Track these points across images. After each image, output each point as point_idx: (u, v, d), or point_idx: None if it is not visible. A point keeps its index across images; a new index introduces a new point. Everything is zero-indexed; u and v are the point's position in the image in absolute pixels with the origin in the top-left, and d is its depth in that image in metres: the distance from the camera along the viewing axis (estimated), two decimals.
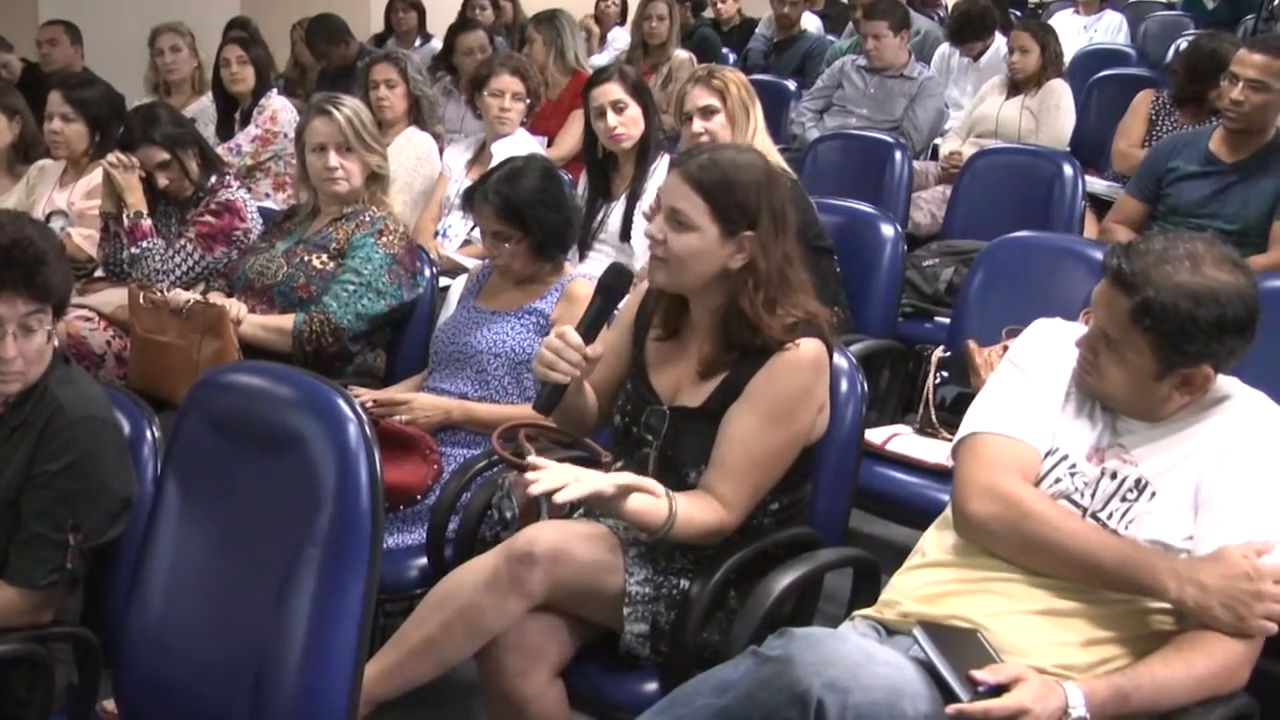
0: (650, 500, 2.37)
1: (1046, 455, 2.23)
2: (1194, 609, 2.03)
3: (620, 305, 2.69)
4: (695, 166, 2.46)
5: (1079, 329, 2.29)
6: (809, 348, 2.44)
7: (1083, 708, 1.95)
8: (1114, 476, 2.18)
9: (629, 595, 2.43)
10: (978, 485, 2.18)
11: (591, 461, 2.84)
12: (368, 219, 3.56)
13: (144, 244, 3.87)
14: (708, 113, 3.82)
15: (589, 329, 2.45)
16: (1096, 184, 5.27)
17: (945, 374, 3.52)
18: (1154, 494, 2.15)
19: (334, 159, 3.56)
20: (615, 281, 2.51)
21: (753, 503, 2.46)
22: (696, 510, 2.41)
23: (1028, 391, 2.28)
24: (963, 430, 2.30)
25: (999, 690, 1.94)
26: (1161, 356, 2.09)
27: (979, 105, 6.09)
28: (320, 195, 3.67)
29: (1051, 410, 2.26)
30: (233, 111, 5.70)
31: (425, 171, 4.98)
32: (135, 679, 2.21)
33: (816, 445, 2.59)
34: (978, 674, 1.95)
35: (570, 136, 5.56)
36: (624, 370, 2.68)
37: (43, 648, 2.21)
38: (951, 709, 1.91)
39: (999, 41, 6.70)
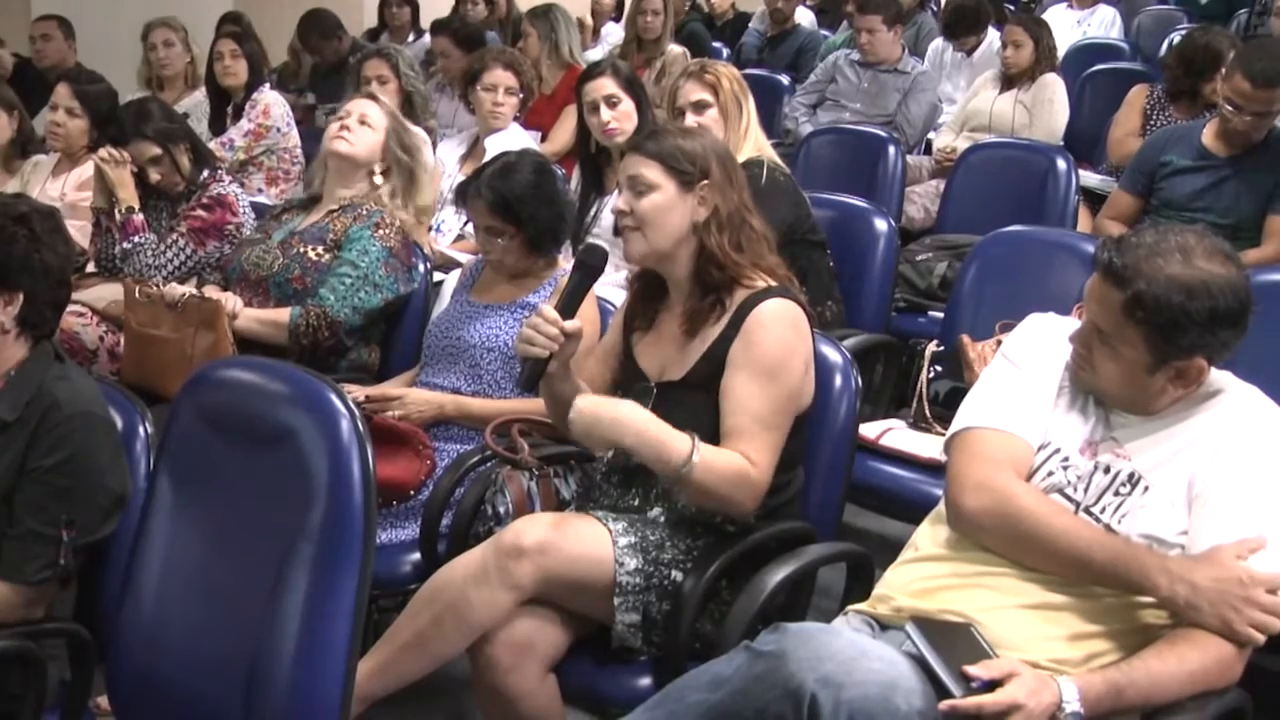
0: (673, 431, 2.43)
1: (1039, 449, 2.23)
2: (1183, 608, 2.02)
3: (598, 285, 2.75)
4: (644, 140, 2.65)
5: (1072, 323, 2.29)
6: (782, 307, 2.52)
7: (1076, 702, 1.95)
8: (1107, 471, 2.18)
9: (619, 586, 2.43)
10: (971, 479, 2.18)
11: (585, 457, 2.85)
12: (364, 212, 3.57)
13: (136, 239, 3.86)
14: (700, 108, 3.81)
15: (566, 305, 2.52)
16: (1090, 178, 5.27)
17: (939, 368, 3.52)
18: (1147, 488, 2.15)
19: (351, 120, 3.63)
20: (589, 259, 2.59)
21: (773, 461, 2.47)
22: (720, 456, 2.43)
23: (1021, 386, 2.28)
24: (956, 424, 2.30)
25: (992, 685, 1.93)
26: (1154, 349, 2.09)
27: (972, 99, 6.09)
28: (329, 164, 3.68)
29: (1045, 404, 2.26)
30: (225, 106, 5.70)
31: None
32: (128, 675, 2.20)
33: (808, 431, 2.61)
34: (971, 669, 1.95)
35: (564, 131, 5.56)
36: (619, 369, 2.70)
37: (35, 644, 2.20)
38: (944, 705, 1.91)
39: (992, 36, 6.71)
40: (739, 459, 2.44)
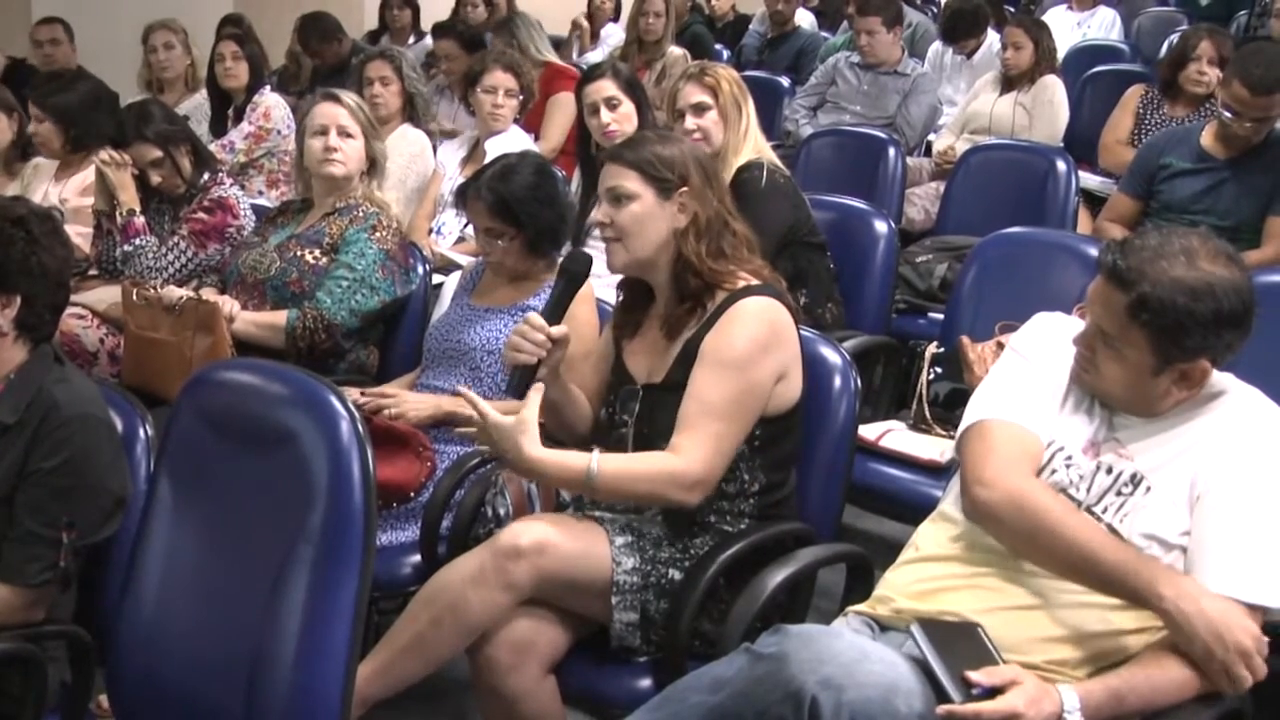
0: (569, 452, 2.45)
1: (1046, 446, 2.23)
2: (1179, 624, 1.98)
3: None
4: (619, 149, 2.64)
5: (1079, 324, 2.28)
6: (761, 305, 2.51)
7: (1077, 711, 1.94)
8: (1109, 471, 2.18)
9: (617, 584, 2.43)
10: (987, 472, 2.17)
11: None
12: (361, 214, 3.57)
13: (137, 241, 3.87)
14: (700, 110, 3.81)
15: (551, 312, 2.54)
16: (1090, 180, 5.28)
17: (939, 370, 3.53)
18: (1149, 489, 2.15)
19: (333, 139, 3.58)
20: (574, 265, 2.60)
21: (713, 454, 2.44)
22: (630, 460, 2.45)
23: (1032, 379, 2.28)
24: (969, 417, 2.29)
25: (993, 692, 1.93)
26: (1159, 352, 2.09)
27: (973, 101, 6.10)
28: (315, 182, 3.67)
29: (1054, 400, 2.26)
30: (226, 108, 5.70)
31: (419, 169, 4.98)
32: (129, 677, 2.20)
33: (806, 433, 2.62)
34: (972, 675, 1.94)
35: (555, 128, 5.59)
36: (610, 373, 2.72)
37: (36, 646, 2.21)
38: (942, 709, 1.91)
39: (992, 38, 6.71)
40: (658, 457, 2.44)
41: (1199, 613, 1.97)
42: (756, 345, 2.48)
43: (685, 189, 2.56)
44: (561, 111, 5.62)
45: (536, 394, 2.42)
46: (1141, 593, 2.03)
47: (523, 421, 2.37)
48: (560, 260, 2.63)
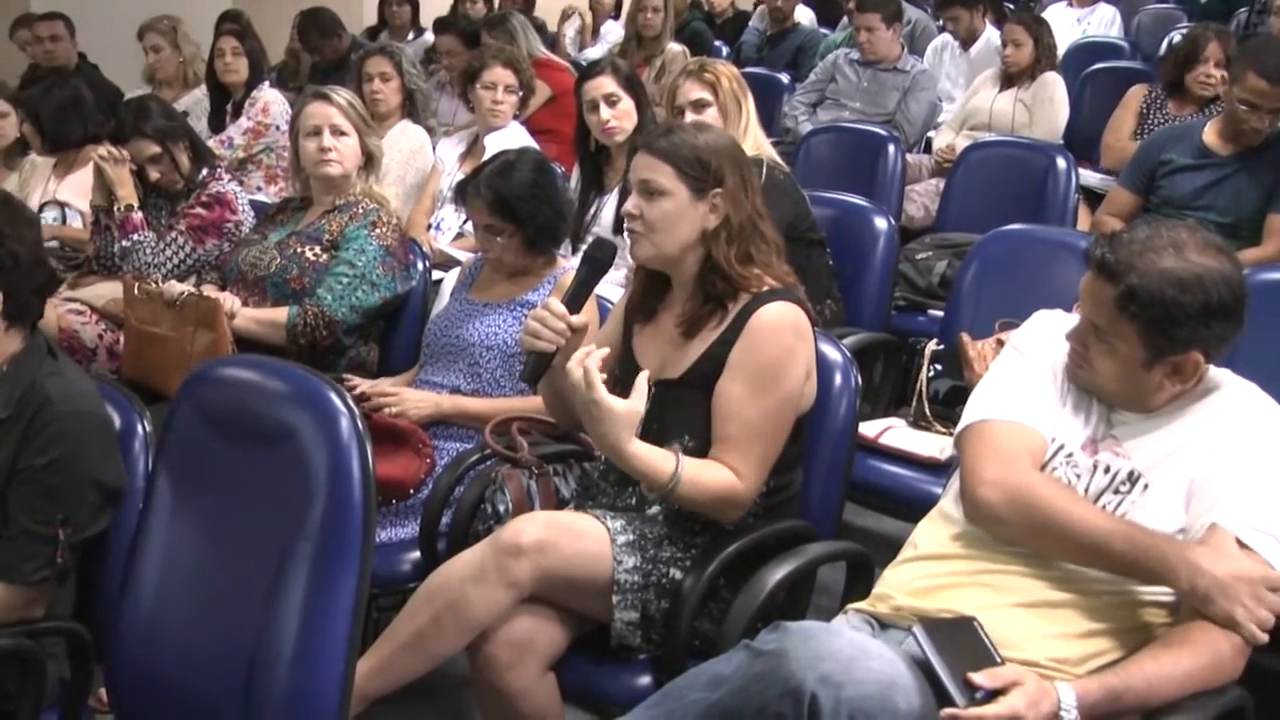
0: (657, 450, 2.42)
1: (1049, 443, 2.23)
2: (1200, 600, 2.01)
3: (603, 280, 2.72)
4: (657, 139, 2.58)
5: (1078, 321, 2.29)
6: (784, 311, 2.49)
7: (1074, 709, 1.94)
8: (1107, 470, 2.18)
9: (617, 583, 2.43)
10: (988, 471, 2.17)
11: (584, 455, 2.85)
12: (361, 211, 3.56)
13: (135, 237, 3.86)
14: (699, 106, 3.81)
15: (573, 299, 2.51)
16: (1090, 177, 5.27)
17: (939, 367, 3.52)
18: (1146, 486, 2.15)
19: (328, 139, 3.57)
20: (598, 253, 2.56)
21: (763, 473, 2.47)
22: (705, 471, 2.43)
23: (1032, 378, 2.28)
24: (968, 417, 2.29)
25: (994, 694, 1.93)
26: (1149, 344, 2.09)
27: (972, 98, 6.09)
28: (312, 182, 3.66)
29: (1054, 399, 2.26)
30: (225, 103, 5.70)
31: (418, 165, 4.98)
32: (127, 673, 2.20)
33: (807, 431, 2.61)
34: (975, 678, 1.94)
35: (536, 100, 5.54)
36: (617, 363, 2.69)
37: (34, 643, 2.20)
38: (946, 712, 1.90)
39: (991, 33, 6.70)
40: (727, 476, 2.44)
41: (1213, 583, 2.00)
42: (786, 352, 2.48)
43: (719, 190, 2.53)
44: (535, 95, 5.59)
45: (644, 381, 2.39)
46: (1155, 574, 2.06)
47: (633, 414, 2.36)
48: (587, 247, 2.59)
